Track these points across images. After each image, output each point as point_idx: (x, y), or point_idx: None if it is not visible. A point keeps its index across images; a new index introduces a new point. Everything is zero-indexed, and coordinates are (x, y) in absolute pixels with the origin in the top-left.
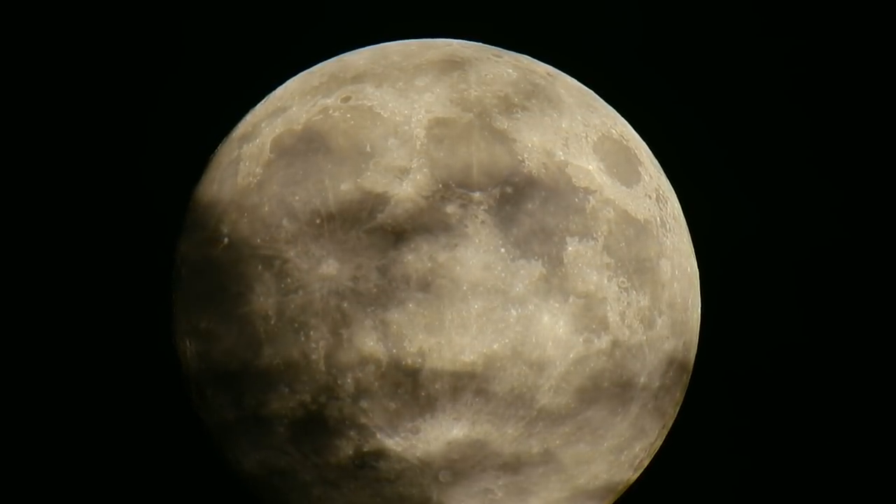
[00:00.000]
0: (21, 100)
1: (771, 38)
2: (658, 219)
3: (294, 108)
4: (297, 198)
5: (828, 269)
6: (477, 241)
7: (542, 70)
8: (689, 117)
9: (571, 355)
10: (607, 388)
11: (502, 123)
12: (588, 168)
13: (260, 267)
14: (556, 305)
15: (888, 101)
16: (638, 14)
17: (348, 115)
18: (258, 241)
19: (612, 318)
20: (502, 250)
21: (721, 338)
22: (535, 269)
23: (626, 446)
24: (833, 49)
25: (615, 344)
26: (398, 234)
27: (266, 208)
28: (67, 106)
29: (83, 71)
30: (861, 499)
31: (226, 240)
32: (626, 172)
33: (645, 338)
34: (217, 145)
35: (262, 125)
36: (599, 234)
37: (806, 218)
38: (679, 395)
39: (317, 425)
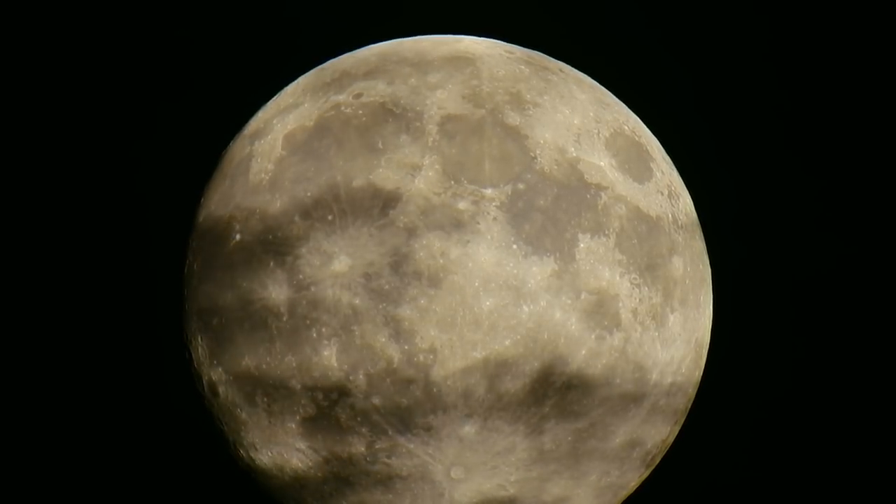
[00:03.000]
0: (36, 99)
1: (784, 36)
2: (670, 215)
3: (306, 105)
4: (308, 194)
5: (841, 265)
6: (489, 237)
7: (555, 66)
8: (702, 113)
9: (583, 352)
10: (619, 385)
11: (514, 119)
12: (600, 164)
13: (272, 263)
14: (568, 302)
15: None
16: (651, 10)
17: (360, 112)
18: (270, 237)
19: (625, 314)
20: (514, 247)
21: (734, 334)
22: (547, 265)
23: (638, 443)
24: (849, 47)
25: (627, 340)
26: (410, 231)
27: (278, 205)
28: (80, 105)
29: (98, 71)
30: (871, 492)
31: (237, 236)
32: (638, 169)
33: (657, 334)
34: (229, 142)
35: (274, 122)
36: (611, 230)
37: (820, 215)
38: (691, 392)
39: (329, 422)
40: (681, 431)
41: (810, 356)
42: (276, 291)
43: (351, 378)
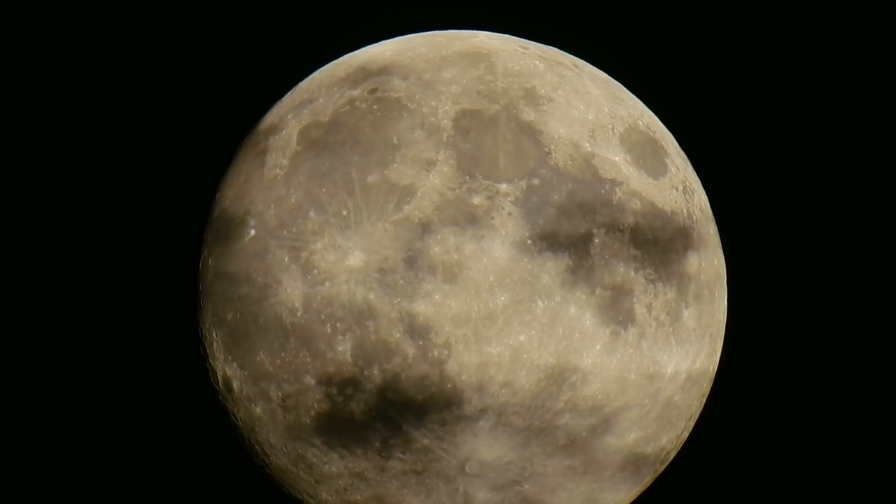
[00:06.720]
0: (52, 98)
1: (802, 35)
2: (685, 210)
3: (321, 100)
4: (323, 189)
5: (854, 261)
6: (503, 232)
7: (569, 61)
8: (717, 109)
9: (598, 347)
10: (633, 380)
11: (529, 115)
12: (615, 159)
13: (286, 259)
14: (583, 297)
15: None
16: (665, 6)
17: (375, 107)
18: (285, 232)
19: (639, 309)
20: (529, 242)
21: (748, 330)
22: (562, 260)
23: (653, 438)
24: (860, 48)
25: (642, 336)
26: (425, 226)
27: (293, 200)
28: (95, 102)
29: (114, 69)
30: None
31: (252, 231)
32: (653, 164)
33: (672, 330)
34: (244, 137)
35: (289, 117)
36: (626, 225)
37: (835, 210)
38: (706, 387)
39: (343, 417)
40: (696, 427)
41: (826, 350)
42: (290, 287)
43: (366, 373)
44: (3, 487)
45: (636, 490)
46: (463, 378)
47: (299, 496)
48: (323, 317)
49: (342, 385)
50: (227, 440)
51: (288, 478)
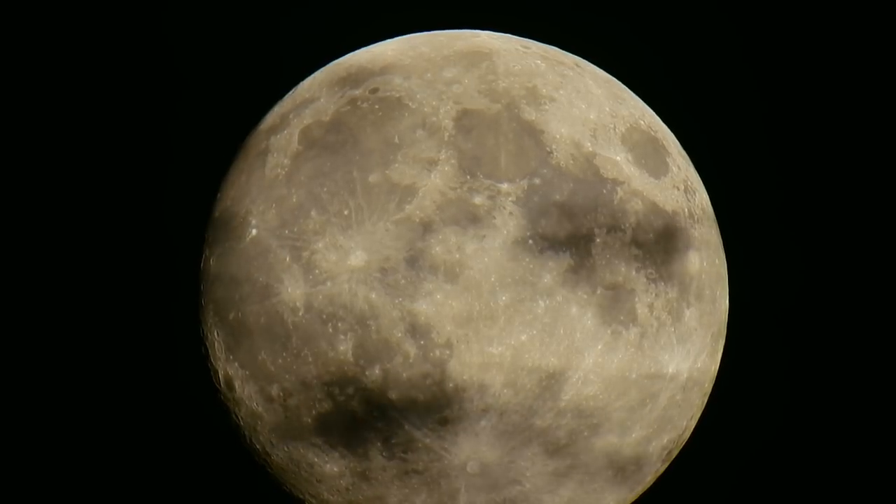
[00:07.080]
0: (53, 98)
1: (803, 34)
2: (686, 210)
3: (322, 100)
4: (325, 189)
5: (854, 261)
6: (505, 232)
7: (570, 61)
8: (718, 108)
9: (599, 346)
10: (635, 380)
11: (530, 114)
12: (616, 159)
13: (288, 258)
14: (584, 297)
15: None
16: (667, 5)
17: (376, 107)
18: (286, 232)
19: (641, 309)
20: (530, 241)
21: (748, 330)
22: (563, 260)
23: (655, 437)
24: (860, 48)
25: (643, 335)
26: (426, 226)
27: (294, 199)
28: (98, 101)
29: (113, 69)
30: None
31: (254, 231)
32: (655, 163)
33: (673, 329)
34: (245, 137)
35: (291, 116)
36: (627, 225)
37: (832, 212)
38: (707, 386)
39: (345, 417)
40: (697, 426)
41: (826, 350)
42: (292, 286)
43: (367, 373)
44: (3, 487)
45: (637, 490)
46: (464, 378)
47: (301, 496)
48: (324, 316)
49: (343, 384)
50: (228, 440)
51: (289, 477)
